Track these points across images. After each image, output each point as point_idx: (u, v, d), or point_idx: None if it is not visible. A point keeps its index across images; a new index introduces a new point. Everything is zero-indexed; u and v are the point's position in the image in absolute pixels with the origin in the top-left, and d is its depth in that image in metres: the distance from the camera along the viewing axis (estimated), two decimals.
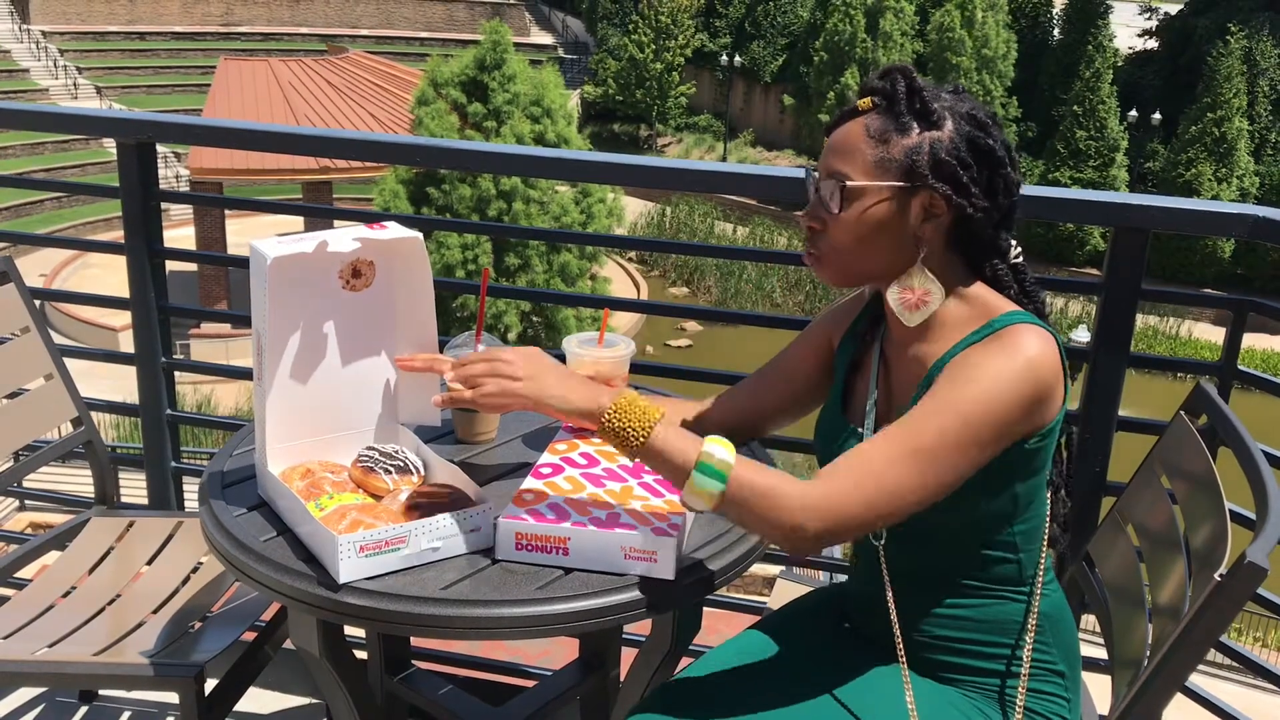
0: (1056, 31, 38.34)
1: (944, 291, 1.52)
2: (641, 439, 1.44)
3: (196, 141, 3.06)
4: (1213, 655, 1.56)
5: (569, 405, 1.50)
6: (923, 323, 1.54)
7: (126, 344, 2.98)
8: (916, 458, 1.40)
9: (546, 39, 47.29)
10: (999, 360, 1.42)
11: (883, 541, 1.59)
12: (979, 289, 1.54)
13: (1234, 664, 2.43)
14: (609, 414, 1.46)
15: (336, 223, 2.04)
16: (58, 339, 2.46)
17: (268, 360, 1.63)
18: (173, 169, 30.79)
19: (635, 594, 1.47)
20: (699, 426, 1.82)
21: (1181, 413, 1.82)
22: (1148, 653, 1.57)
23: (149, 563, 2.33)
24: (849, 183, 1.49)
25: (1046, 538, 1.57)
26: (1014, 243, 1.57)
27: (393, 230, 1.70)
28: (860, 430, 1.61)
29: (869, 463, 1.41)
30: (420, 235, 1.69)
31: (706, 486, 1.41)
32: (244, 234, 25.91)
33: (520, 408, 1.54)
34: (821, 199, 1.52)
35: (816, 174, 1.55)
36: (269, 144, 2.76)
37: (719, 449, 1.42)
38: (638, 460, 1.47)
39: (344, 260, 1.69)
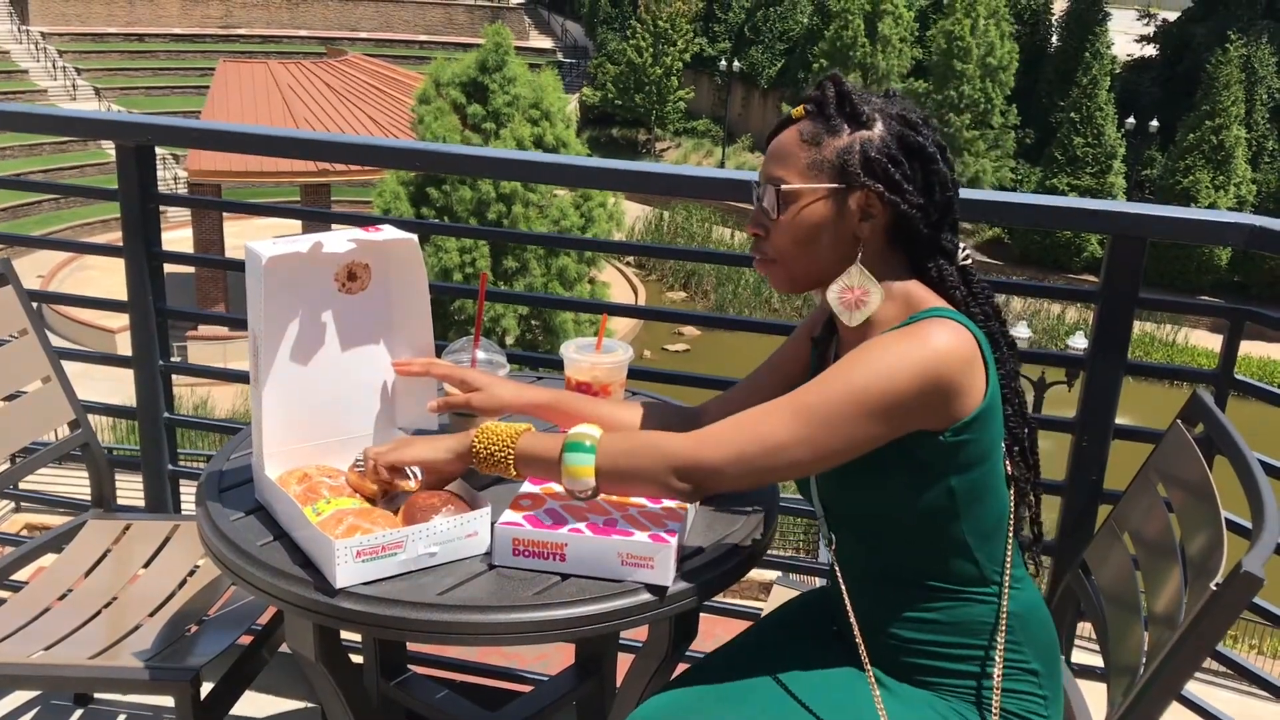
0: (1054, 38, 38.39)
1: (882, 291, 1.54)
2: (510, 449, 1.56)
3: (195, 144, 3.06)
4: (1208, 663, 1.56)
5: (441, 452, 1.61)
6: (860, 324, 1.56)
7: (123, 346, 2.98)
8: (796, 414, 1.45)
9: (546, 43, 47.33)
10: (901, 344, 1.44)
11: (834, 545, 1.61)
12: (910, 286, 1.55)
13: (1229, 672, 2.43)
14: (476, 441, 1.58)
15: (335, 226, 2.04)
16: (55, 341, 2.46)
17: (263, 362, 1.63)
18: (171, 171, 30.79)
19: (632, 600, 1.47)
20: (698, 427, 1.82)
21: (1178, 421, 1.82)
22: (1144, 661, 1.57)
23: (145, 565, 2.33)
24: (784, 186, 1.53)
25: (1011, 538, 1.57)
26: (961, 245, 1.58)
27: (388, 232, 1.70)
28: None
29: (748, 415, 1.49)
30: (415, 237, 1.69)
31: (579, 462, 1.50)
32: (242, 237, 25.72)
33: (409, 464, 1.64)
34: (761, 205, 1.56)
35: (758, 184, 1.58)
36: (267, 147, 2.77)
37: (584, 427, 1.54)
38: (521, 473, 1.57)
39: (339, 262, 1.69)
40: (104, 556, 2.35)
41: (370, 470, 1.64)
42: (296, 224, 24.55)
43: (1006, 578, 1.55)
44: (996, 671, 1.53)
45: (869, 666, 1.55)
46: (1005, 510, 1.56)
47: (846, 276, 1.54)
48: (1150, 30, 40.14)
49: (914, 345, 1.43)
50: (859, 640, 1.56)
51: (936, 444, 1.46)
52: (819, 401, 1.44)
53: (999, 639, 1.54)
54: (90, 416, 2.52)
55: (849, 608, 1.58)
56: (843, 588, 1.59)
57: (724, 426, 1.49)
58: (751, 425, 1.47)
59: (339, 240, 1.65)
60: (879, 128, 1.52)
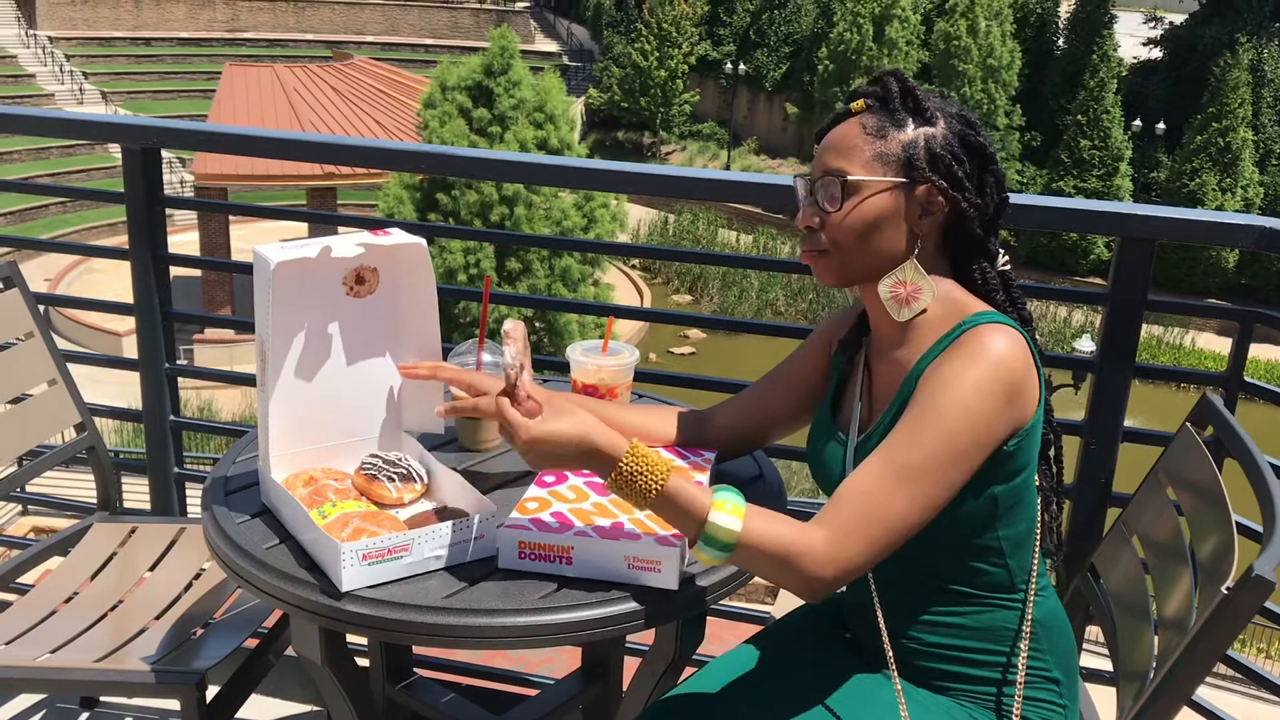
0: (1061, 41, 38.35)
1: (934, 289, 1.52)
2: (660, 484, 1.39)
3: (201, 147, 3.06)
4: (1217, 667, 1.55)
5: (572, 452, 1.43)
6: (903, 325, 1.54)
7: (130, 349, 2.98)
8: (911, 486, 1.40)
9: (551, 46, 47.37)
10: (969, 370, 1.42)
11: None
12: (952, 289, 1.55)
13: (1238, 676, 2.42)
14: (625, 460, 1.40)
15: (341, 229, 2.04)
16: (61, 343, 2.46)
17: (271, 366, 1.63)
18: (178, 174, 30.84)
19: (638, 604, 1.46)
20: (706, 434, 1.81)
21: (1188, 424, 1.81)
22: (1153, 665, 1.56)
23: (151, 569, 2.33)
24: (849, 177, 1.50)
25: (1039, 545, 1.56)
26: (1001, 250, 1.58)
27: (397, 236, 1.69)
28: (844, 436, 1.62)
29: (868, 503, 1.40)
30: (424, 241, 1.69)
31: (712, 555, 1.40)
32: (248, 240, 25.84)
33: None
34: (817, 198, 1.54)
35: (808, 178, 1.57)
36: (273, 150, 2.77)
37: (728, 519, 1.38)
38: (648, 510, 1.42)
39: (348, 266, 1.68)
40: (110, 559, 2.35)
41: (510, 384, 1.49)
42: (303, 227, 24.60)
43: (1033, 584, 1.55)
44: (1019, 679, 1.53)
45: (895, 674, 1.54)
46: (1035, 517, 1.55)
47: (900, 272, 1.52)
48: (1157, 33, 40.07)
49: (979, 367, 1.41)
50: (887, 648, 1.55)
51: (1000, 453, 1.45)
52: (920, 460, 1.40)
53: (1022, 646, 1.53)
54: (96, 419, 2.52)
55: (879, 613, 1.56)
56: (873, 592, 1.57)
57: (846, 521, 1.39)
58: (871, 509, 1.39)
59: (347, 245, 1.64)
60: (941, 125, 1.52)
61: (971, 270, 1.55)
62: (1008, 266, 1.58)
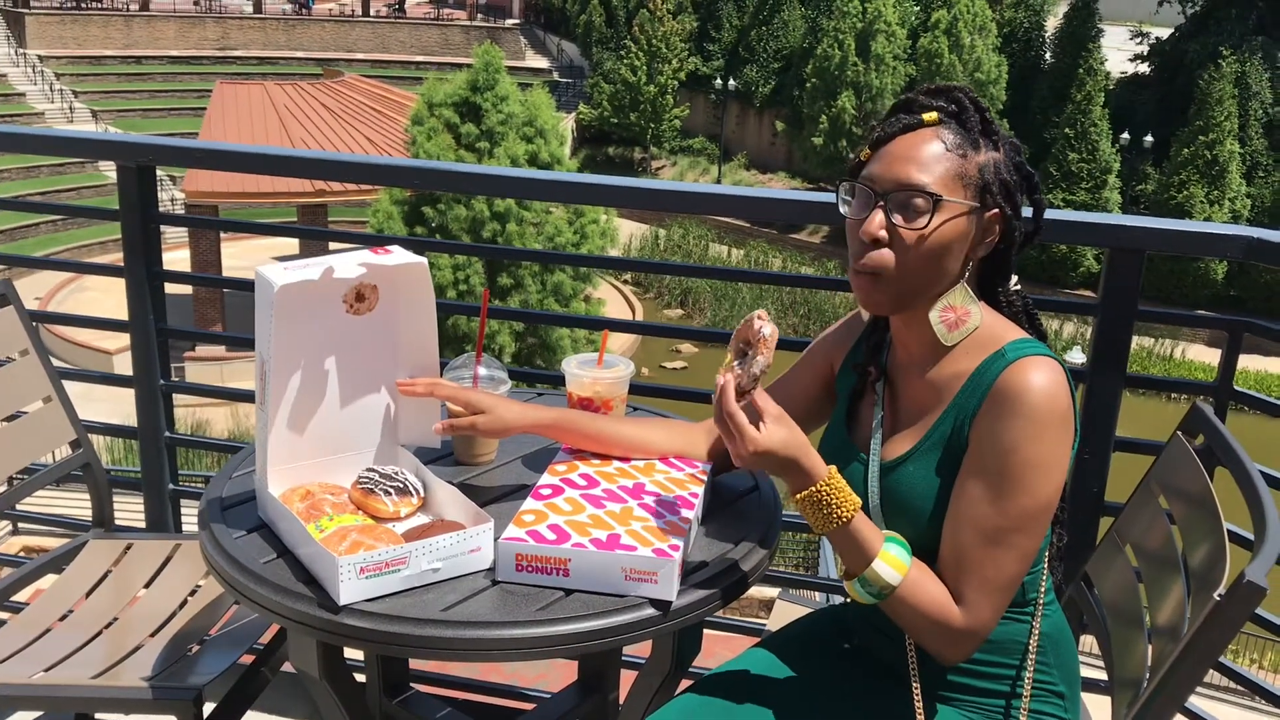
0: (1048, 55, 38.56)
1: (981, 313, 1.53)
2: (844, 519, 1.45)
3: (196, 164, 3.06)
4: (1212, 677, 1.56)
5: (786, 468, 1.46)
6: (930, 345, 1.54)
7: (120, 366, 2.99)
8: (1012, 548, 1.45)
9: (542, 63, 47.47)
10: (1028, 426, 1.43)
11: None
12: (984, 311, 1.55)
13: (1231, 684, 2.43)
14: (822, 485, 1.45)
15: (334, 245, 2.04)
16: (54, 362, 2.46)
17: (272, 385, 1.64)
18: (167, 192, 30.80)
19: (635, 615, 1.47)
20: (701, 446, 1.82)
21: (1179, 433, 1.83)
22: (1147, 673, 1.57)
23: (147, 585, 2.32)
24: (944, 198, 1.46)
25: (1047, 558, 1.57)
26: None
27: (398, 256, 1.70)
28: (866, 456, 1.61)
29: (982, 575, 1.46)
30: (425, 260, 1.69)
31: (862, 596, 1.48)
32: (239, 257, 25.90)
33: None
34: (889, 209, 1.47)
35: (869, 184, 1.49)
36: (268, 166, 2.78)
37: (886, 570, 1.46)
38: (830, 537, 1.47)
39: (349, 284, 1.69)
40: (105, 577, 2.34)
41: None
42: (295, 244, 24.55)
43: (1042, 598, 1.55)
44: (1025, 692, 1.53)
45: (918, 688, 1.54)
46: (1049, 531, 1.56)
47: (950, 296, 1.51)
48: (1144, 48, 40.29)
49: (1039, 416, 1.42)
50: (911, 665, 1.56)
51: None
52: (1014, 523, 1.44)
53: (1030, 659, 1.54)
54: (91, 436, 2.51)
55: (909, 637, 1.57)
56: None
57: (981, 598, 1.45)
58: (999, 584, 1.46)
59: (350, 265, 1.65)
60: (1003, 150, 1.51)
61: (997, 292, 1.57)
62: (1018, 286, 1.59)
